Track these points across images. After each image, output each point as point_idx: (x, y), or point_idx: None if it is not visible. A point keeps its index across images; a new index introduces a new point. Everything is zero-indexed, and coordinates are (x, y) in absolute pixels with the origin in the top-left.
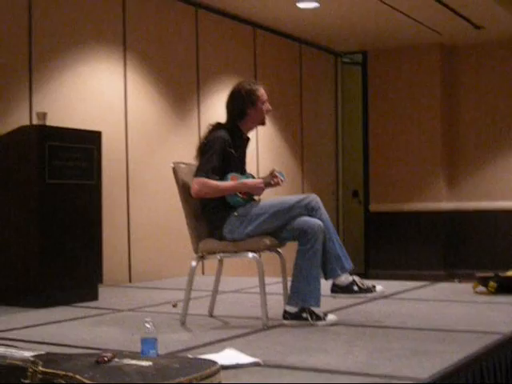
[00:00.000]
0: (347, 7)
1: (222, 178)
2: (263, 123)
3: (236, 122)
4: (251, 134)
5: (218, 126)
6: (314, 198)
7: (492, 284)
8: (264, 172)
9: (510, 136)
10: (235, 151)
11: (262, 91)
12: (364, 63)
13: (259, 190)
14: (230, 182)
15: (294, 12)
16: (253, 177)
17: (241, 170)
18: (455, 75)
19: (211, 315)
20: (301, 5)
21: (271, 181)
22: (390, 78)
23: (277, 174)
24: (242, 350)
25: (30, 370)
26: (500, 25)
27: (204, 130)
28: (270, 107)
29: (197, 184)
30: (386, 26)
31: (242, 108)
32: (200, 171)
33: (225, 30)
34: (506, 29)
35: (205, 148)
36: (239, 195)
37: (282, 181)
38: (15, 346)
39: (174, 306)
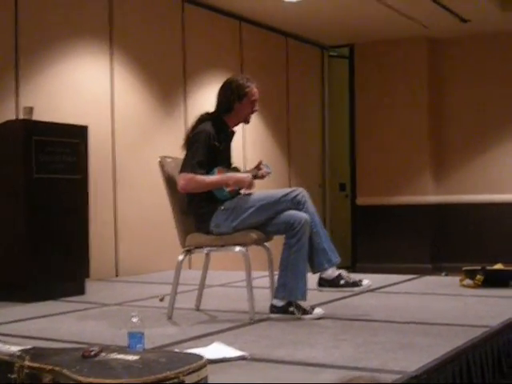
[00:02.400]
0: (333, 0)
1: (209, 171)
2: (246, 121)
3: (221, 114)
4: (237, 128)
5: (204, 117)
6: (301, 192)
7: (479, 277)
8: (250, 166)
9: (497, 130)
10: (219, 144)
11: (253, 90)
12: (351, 56)
13: (246, 183)
14: (217, 176)
15: (280, 5)
16: (238, 170)
17: (226, 163)
18: (442, 69)
19: (198, 309)
20: None
21: (257, 173)
22: (377, 72)
23: (262, 166)
24: (228, 343)
25: (17, 364)
26: (486, 18)
27: (192, 122)
28: (257, 107)
29: (183, 179)
30: (373, 20)
31: (228, 101)
32: (186, 166)
33: (211, 24)
34: (492, 22)
35: (191, 141)
36: (226, 189)
37: (268, 173)
38: (2, 341)
39: (161, 300)
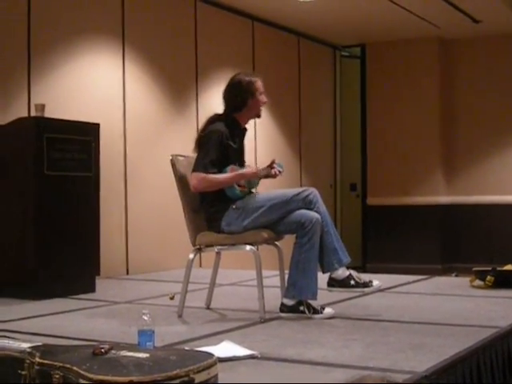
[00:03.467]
0: (346, 0)
1: (221, 170)
2: (259, 115)
3: (233, 113)
4: (249, 126)
5: (215, 118)
6: (312, 192)
7: (489, 278)
8: (262, 165)
9: (508, 131)
10: (233, 143)
11: (259, 82)
12: (362, 56)
13: (256, 174)
14: (228, 174)
15: (293, 5)
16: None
17: (240, 161)
18: (453, 69)
19: (208, 308)
20: None
21: (270, 171)
22: (389, 72)
23: (275, 166)
24: (238, 342)
25: (27, 361)
26: (498, 19)
27: (202, 123)
28: (265, 99)
29: (195, 179)
30: (385, 20)
31: (242, 99)
32: (198, 165)
33: (223, 23)
34: (504, 23)
35: (202, 141)
36: (237, 188)
37: (280, 172)
38: (12, 338)
39: (172, 298)
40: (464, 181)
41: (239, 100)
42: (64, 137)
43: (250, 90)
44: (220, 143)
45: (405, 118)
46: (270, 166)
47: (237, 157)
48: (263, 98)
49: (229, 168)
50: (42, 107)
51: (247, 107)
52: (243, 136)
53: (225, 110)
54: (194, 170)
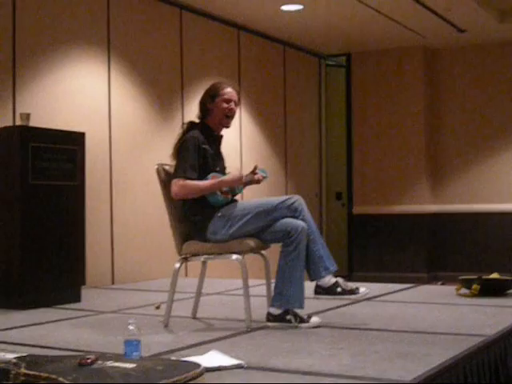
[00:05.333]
0: (331, 10)
1: (202, 177)
2: (224, 124)
3: (203, 119)
4: (231, 134)
5: (190, 126)
6: (298, 199)
7: (475, 286)
8: (246, 172)
9: (494, 139)
10: (210, 148)
11: (227, 90)
12: (348, 65)
13: (239, 180)
14: (209, 181)
15: (279, 14)
16: None
17: (220, 167)
18: (438, 78)
19: (195, 317)
20: (285, 7)
21: (253, 177)
22: (374, 81)
23: (258, 172)
24: (225, 352)
25: (13, 371)
26: (483, 28)
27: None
28: (233, 108)
29: (175, 186)
30: (370, 29)
31: (204, 103)
32: (178, 172)
33: (209, 32)
34: (489, 32)
35: (180, 149)
36: (220, 195)
37: (263, 177)
38: None
39: (158, 307)
40: (450, 189)
41: (203, 104)
42: (49, 146)
43: (212, 94)
44: (197, 148)
45: (390, 127)
46: (253, 172)
47: (216, 162)
48: (229, 106)
49: (210, 175)
50: (27, 116)
51: (211, 112)
52: (219, 143)
53: (198, 117)
54: (174, 176)
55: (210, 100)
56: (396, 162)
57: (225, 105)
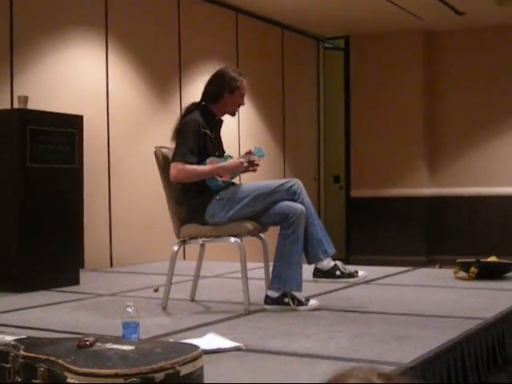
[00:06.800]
0: None
1: (201, 161)
2: (233, 114)
3: (209, 103)
4: (230, 118)
5: (191, 108)
6: (296, 182)
7: (473, 270)
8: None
9: (492, 123)
10: (210, 132)
11: (244, 84)
12: (346, 48)
13: (241, 168)
14: (209, 166)
15: None
16: (231, 157)
17: (219, 151)
18: (436, 61)
19: (193, 300)
20: None
21: (249, 159)
22: (373, 64)
23: (253, 152)
24: (223, 334)
25: (12, 354)
26: (482, 11)
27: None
28: (244, 102)
29: (174, 169)
30: (369, 12)
31: (219, 91)
32: (176, 155)
33: (207, 15)
34: (487, 15)
35: (179, 132)
36: (219, 179)
37: (261, 157)
38: None
39: (156, 290)
40: (448, 172)
41: (217, 91)
42: (47, 129)
43: (231, 85)
44: (197, 132)
45: (389, 110)
46: (248, 154)
47: (215, 146)
48: (242, 100)
49: (209, 160)
50: (24, 99)
51: (223, 101)
52: (219, 127)
53: (201, 99)
54: (173, 160)
55: (228, 90)
56: (394, 145)
57: (241, 99)
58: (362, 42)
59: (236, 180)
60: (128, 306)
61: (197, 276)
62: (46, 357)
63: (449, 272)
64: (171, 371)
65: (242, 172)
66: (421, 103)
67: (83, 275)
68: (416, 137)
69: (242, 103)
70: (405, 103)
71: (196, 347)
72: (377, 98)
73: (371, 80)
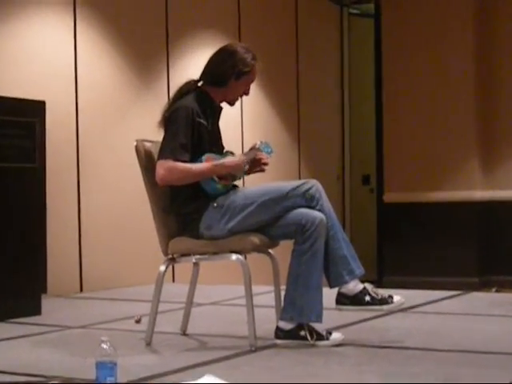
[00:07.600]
0: None
1: (195, 158)
2: (232, 103)
3: (208, 85)
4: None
5: (184, 90)
6: (314, 185)
7: None
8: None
9: None
10: (206, 122)
11: (255, 70)
12: (377, 14)
13: (242, 165)
14: (205, 164)
15: None
16: (233, 154)
17: (217, 146)
18: (492, 24)
19: (184, 333)
20: None
21: (254, 157)
22: (410, 32)
23: (259, 148)
24: (223, 377)
25: None
26: None
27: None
28: (249, 92)
29: (162, 168)
30: None
31: (224, 74)
32: (165, 151)
33: None
34: None
35: (168, 121)
36: (217, 181)
37: (269, 154)
38: None
39: (138, 321)
40: (506, 170)
41: (222, 74)
42: (1, 118)
43: (240, 70)
44: (191, 122)
45: (431, 92)
46: (253, 151)
47: (213, 140)
48: (247, 89)
49: (204, 157)
50: None
51: (226, 87)
52: (218, 116)
53: (199, 78)
54: (160, 157)
55: (234, 76)
56: (438, 137)
57: (246, 88)
58: (397, 6)
59: (238, 182)
60: (102, 342)
61: (189, 303)
62: None
63: (508, 297)
64: None
65: (247, 173)
66: (472, 79)
67: (46, 303)
68: (466, 124)
69: (246, 92)
70: (452, 81)
71: None
72: (416, 75)
73: (408, 53)
